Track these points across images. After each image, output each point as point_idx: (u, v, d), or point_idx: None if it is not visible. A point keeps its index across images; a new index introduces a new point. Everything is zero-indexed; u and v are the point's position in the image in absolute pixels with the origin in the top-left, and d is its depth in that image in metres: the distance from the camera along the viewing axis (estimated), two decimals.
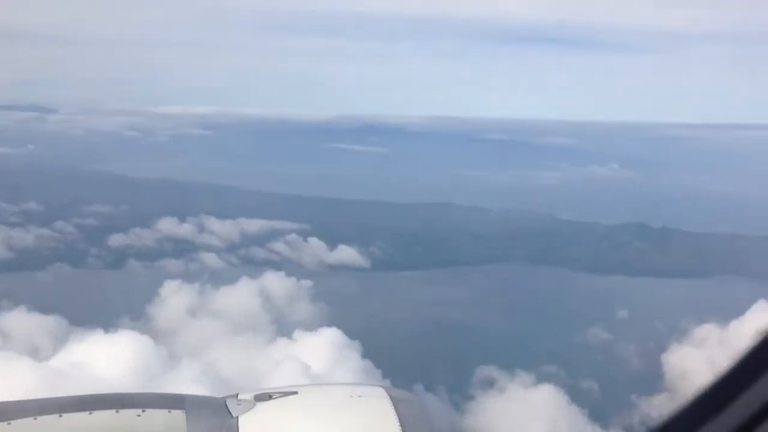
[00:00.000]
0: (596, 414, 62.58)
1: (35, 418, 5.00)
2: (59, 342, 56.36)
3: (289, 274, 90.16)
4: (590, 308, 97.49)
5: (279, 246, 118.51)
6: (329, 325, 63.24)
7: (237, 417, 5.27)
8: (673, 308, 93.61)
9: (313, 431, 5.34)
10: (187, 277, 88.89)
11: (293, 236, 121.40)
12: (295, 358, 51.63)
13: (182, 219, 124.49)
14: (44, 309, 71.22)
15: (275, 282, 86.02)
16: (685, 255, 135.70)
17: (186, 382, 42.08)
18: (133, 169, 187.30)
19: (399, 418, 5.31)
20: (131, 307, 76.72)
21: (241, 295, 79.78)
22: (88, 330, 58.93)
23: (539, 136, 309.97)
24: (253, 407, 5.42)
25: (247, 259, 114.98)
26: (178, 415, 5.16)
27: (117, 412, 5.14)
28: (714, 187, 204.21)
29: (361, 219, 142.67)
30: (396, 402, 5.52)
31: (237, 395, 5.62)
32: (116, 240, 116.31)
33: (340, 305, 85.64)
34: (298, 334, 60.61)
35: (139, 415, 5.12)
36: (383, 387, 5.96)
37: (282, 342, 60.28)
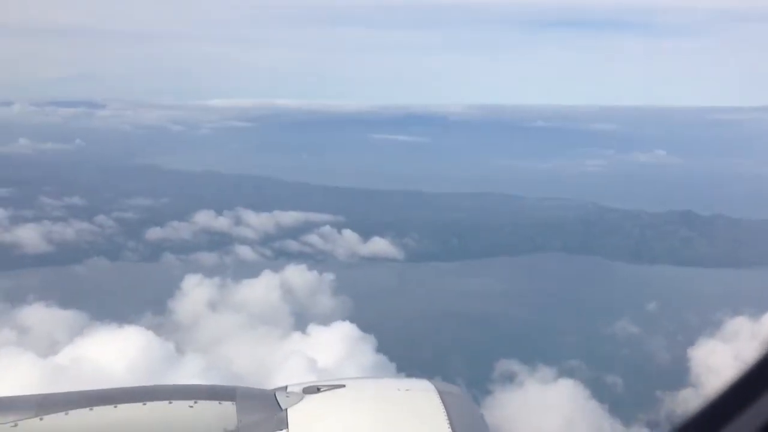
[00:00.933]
0: (617, 410, 60.63)
1: (91, 409, 5.15)
2: (73, 337, 56.96)
3: (312, 267, 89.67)
4: (623, 299, 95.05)
5: (313, 238, 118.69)
6: (348, 318, 62.66)
7: (286, 409, 5.37)
8: (710, 299, 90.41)
9: (360, 424, 5.35)
10: (220, 270, 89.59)
11: (327, 228, 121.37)
12: (303, 353, 51.30)
13: (219, 212, 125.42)
14: (69, 303, 72.64)
15: (297, 275, 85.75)
16: (732, 243, 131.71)
17: (185, 378, 42.08)
18: (176, 162, 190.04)
19: (446, 412, 5.34)
20: (155, 301, 77.42)
21: (263, 289, 79.81)
22: (106, 324, 59.54)
23: (584, 122, 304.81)
24: (301, 400, 5.50)
25: (281, 251, 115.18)
26: (229, 406, 5.28)
27: (170, 403, 5.25)
28: (763, 171, 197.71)
29: (399, 210, 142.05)
30: (443, 395, 5.56)
31: (286, 387, 5.69)
32: (153, 233, 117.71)
33: (362, 298, 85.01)
34: (312, 328, 60.23)
35: (191, 407, 5.24)
36: (431, 381, 5.91)
37: (295, 336, 60.00)
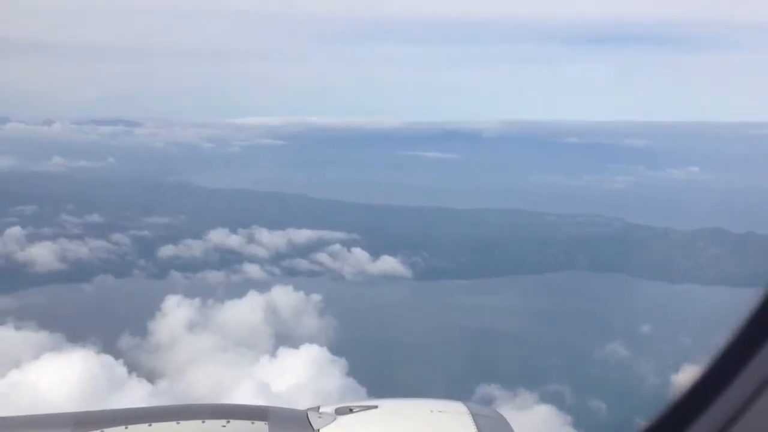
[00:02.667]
0: None
1: (126, 428, 5.13)
2: (28, 360, 56.33)
3: (310, 286, 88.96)
4: (637, 318, 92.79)
5: (322, 257, 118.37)
6: (328, 340, 61.79)
7: (318, 430, 5.35)
8: (730, 319, 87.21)
9: None
10: (221, 288, 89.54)
11: (337, 246, 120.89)
12: (257, 377, 50.42)
13: (234, 230, 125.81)
14: (47, 324, 72.47)
15: (286, 296, 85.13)
16: (763, 262, 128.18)
17: (128, 401, 41.59)
18: (204, 180, 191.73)
19: None
20: (138, 321, 77.10)
21: (248, 310, 79.30)
22: (78, 346, 59.40)
23: (618, 138, 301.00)
24: (333, 420, 5.48)
25: (289, 270, 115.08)
26: (262, 426, 5.25)
27: (203, 422, 5.24)
28: None
29: (423, 226, 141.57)
30: (477, 418, 5.52)
31: (318, 408, 5.69)
32: (165, 251, 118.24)
33: (351, 319, 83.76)
34: (281, 351, 59.39)
35: (224, 426, 5.21)
36: (464, 403, 5.88)
37: (263, 360, 59.14)
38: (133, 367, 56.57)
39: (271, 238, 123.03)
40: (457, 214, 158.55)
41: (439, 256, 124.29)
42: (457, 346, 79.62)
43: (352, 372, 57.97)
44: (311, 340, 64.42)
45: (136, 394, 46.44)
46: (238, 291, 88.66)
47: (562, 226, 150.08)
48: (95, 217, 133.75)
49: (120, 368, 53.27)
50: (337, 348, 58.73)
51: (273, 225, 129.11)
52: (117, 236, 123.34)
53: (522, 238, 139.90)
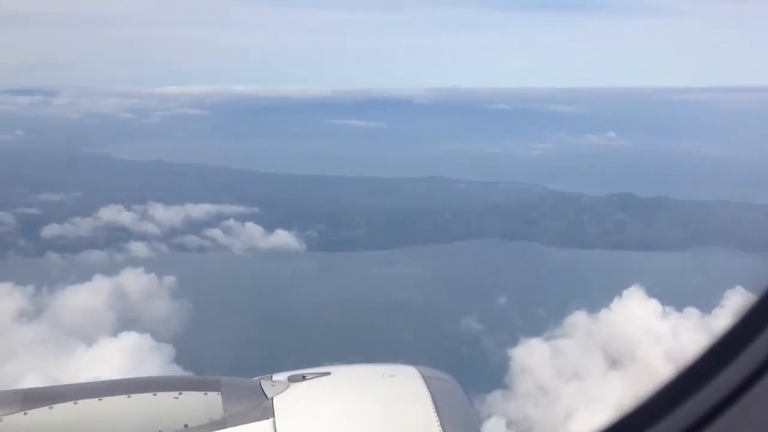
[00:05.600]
0: None
1: (76, 403, 5.09)
2: None
3: (149, 270, 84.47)
4: (540, 287, 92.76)
5: (214, 232, 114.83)
6: (164, 326, 59.24)
7: (272, 398, 5.34)
8: (621, 284, 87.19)
9: (346, 411, 5.35)
10: (104, 268, 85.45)
11: (231, 221, 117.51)
12: (71, 368, 48.00)
13: (128, 206, 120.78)
14: None
15: (136, 278, 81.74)
16: (669, 226, 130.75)
17: None
18: (119, 152, 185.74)
19: (432, 397, 5.33)
20: None
21: (88, 296, 75.90)
22: None
23: (543, 104, 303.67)
24: (287, 388, 5.47)
25: (179, 246, 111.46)
26: (215, 397, 5.26)
27: (155, 395, 5.21)
28: (714, 152, 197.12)
29: (335, 197, 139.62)
30: (429, 381, 5.56)
31: (271, 377, 5.68)
32: (50, 230, 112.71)
33: (200, 301, 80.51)
34: (102, 340, 56.82)
35: (176, 398, 5.22)
36: (416, 367, 5.84)
37: (81, 350, 56.40)
38: None
39: (165, 215, 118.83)
40: (376, 183, 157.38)
41: (347, 227, 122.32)
42: (318, 319, 77.80)
43: (180, 359, 55.63)
44: (149, 326, 61.63)
45: None
46: (110, 271, 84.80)
47: (480, 194, 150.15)
48: None
49: None
50: (175, 333, 56.22)
51: (179, 199, 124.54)
52: (0, 214, 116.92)
53: (438, 206, 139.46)
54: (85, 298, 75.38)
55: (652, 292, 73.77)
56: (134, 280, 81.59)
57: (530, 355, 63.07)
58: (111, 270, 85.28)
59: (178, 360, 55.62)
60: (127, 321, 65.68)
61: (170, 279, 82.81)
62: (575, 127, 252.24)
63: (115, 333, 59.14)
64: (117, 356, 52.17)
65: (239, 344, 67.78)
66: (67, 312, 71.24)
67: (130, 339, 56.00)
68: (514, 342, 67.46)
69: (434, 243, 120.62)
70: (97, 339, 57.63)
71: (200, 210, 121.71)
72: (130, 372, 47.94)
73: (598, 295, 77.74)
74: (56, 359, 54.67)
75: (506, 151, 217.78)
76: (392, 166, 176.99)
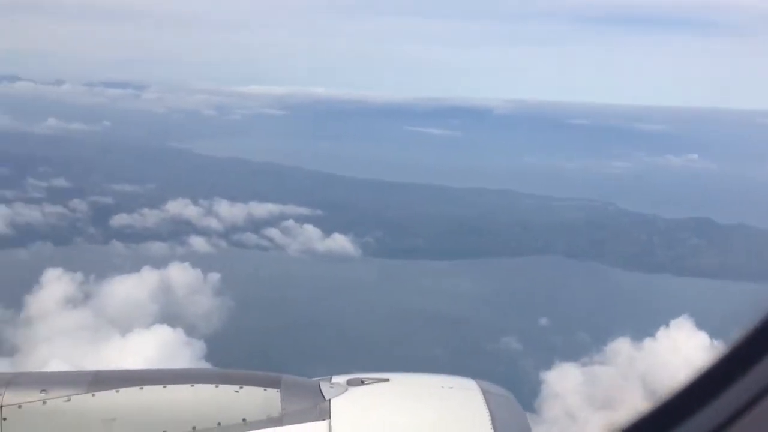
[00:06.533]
0: None
1: (141, 388, 5.25)
2: None
3: (202, 265, 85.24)
4: (596, 309, 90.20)
5: (273, 232, 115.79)
6: (201, 321, 59.67)
7: (329, 400, 5.39)
8: (690, 311, 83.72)
9: (403, 418, 5.37)
10: (160, 260, 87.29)
11: (291, 222, 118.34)
12: (104, 357, 48.75)
13: (195, 201, 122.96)
14: None
15: (180, 274, 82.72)
16: (747, 254, 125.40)
17: None
18: (198, 147, 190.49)
19: (490, 411, 5.30)
20: (21, 292, 74.61)
21: (134, 286, 77.24)
22: None
23: (626, 122, 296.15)
24: (345, 391, 5.51)
25: (237, 244, 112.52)
26: (274, 394, 5.36)
27: (216, 386, 5.33)
28: None
29: (404, 204, 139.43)
30: (487, 395, 5.54)
31: (330, 378, 5.71)
32: (118, 220, 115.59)
33: (241, 300, 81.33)
34: (137, 331, 57.61)
35: (236, 391, 5.33)
36: (475, 380, 5.85)
37: (115, 340, 57.33)
38: None
39: (230, 211, 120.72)
40: (446, 192, 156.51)
41: (409, 234, 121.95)
42: (354, 325, 77.51)
43: (210, 356, 56.27)
44: (186, 321, 62.52)
45: None
46: (164, 263, 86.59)
47: (550, 210, 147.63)
48: (61, 182, 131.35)
49: None
50: (209, 329, 56.98)
51: (245, 197, 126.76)
52: (75, 202, 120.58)
53: (506, 220, 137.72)
54: (130, 288, 77.45)
55: (708, 323, 71.13)
56: (181, 275, 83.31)
57: (563, 381, 61.66)
58: (165, 262, 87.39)
59: (207, 357, 56.55)
60: (165, 314, 67.29)
61: (216, 276, 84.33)
62: (656, 146, 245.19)
63: (149, 325, 60.38)
64: (146, 349, 53.28)
65: (273, 345, 68.53)
66: (112, 301, 73.34)
67: (162, 332, 57.21)
68: (549, 365, 66.07)
69: (495, 257, 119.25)
70: (131, 330, 59.08)
71: (263, 209, 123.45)
72: (156, 365, 48.84)
73: (648, 322, 75.38)
74: (90, 347, 56.31)
75: (583, 168, 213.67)
76: (464, 176, 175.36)
